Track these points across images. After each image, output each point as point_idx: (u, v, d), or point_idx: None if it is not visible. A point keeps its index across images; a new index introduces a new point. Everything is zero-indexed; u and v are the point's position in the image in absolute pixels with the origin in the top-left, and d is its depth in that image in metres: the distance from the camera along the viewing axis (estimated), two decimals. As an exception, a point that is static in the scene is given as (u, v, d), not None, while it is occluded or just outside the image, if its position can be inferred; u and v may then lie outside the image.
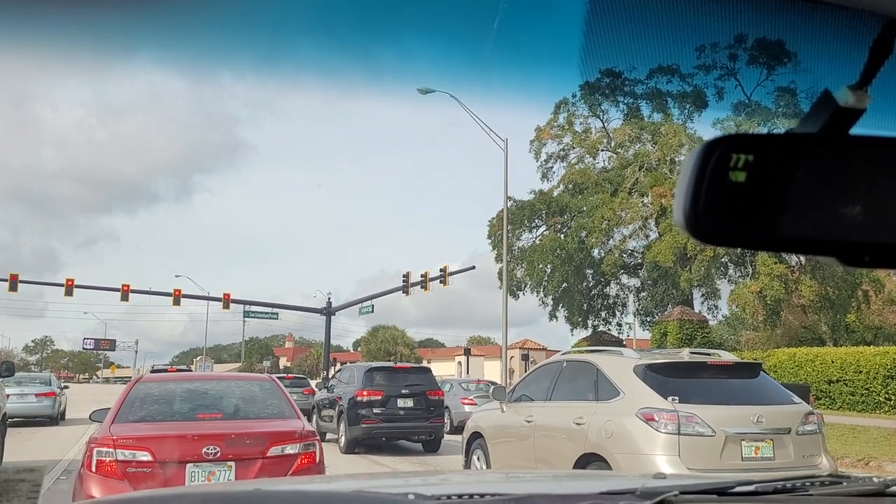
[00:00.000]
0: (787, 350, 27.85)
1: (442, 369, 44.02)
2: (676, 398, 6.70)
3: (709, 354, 8.07)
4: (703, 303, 33.50)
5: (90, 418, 7.23)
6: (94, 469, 5.68)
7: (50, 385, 22.46)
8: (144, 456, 5.74)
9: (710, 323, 32.14)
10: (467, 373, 40.77)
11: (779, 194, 0.83)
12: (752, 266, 29.68)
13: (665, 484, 1.70)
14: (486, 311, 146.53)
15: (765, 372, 7.79)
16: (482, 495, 1.53)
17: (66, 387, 26.96)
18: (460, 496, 1.53)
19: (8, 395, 15.47)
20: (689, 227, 0.83)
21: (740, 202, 0.82)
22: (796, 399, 7.44)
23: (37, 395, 21.29)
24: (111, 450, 5.72)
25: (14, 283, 34.34)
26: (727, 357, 7.92)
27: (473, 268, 40.49)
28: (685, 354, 7.85)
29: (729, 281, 32.49)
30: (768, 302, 28.29)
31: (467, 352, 44.83)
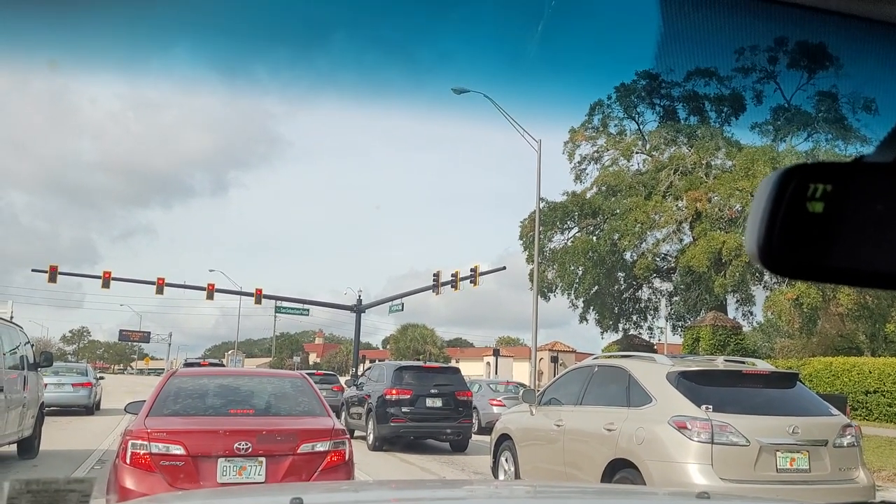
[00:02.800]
0: (824, 359, 27.33)
1: (470, 369, 44.00)
2: (710, 406, 6.60)
3: (743, 362, 7.93)
4: (737, 309, 33.04)
5: (125, 410, 7.35)
6: (128, 461, 5.77)
7: (86, 375, 22.87)
8: (178, 450, 5.81)
9: (744, 329, 31.66)
10: (496, 374, 40.69)
11: (858, 226, 0.79)
12: (788, 273, 29.14)
13: None
14: (515, 312, 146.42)
15: (801, 382, 7.65)
16: None
17: (102, 377, 27.48)
18: None
19: (46, 385, 15.78)
20: (763, 259, 0.80)
21: (818, 234, 0.79)
22: (833, 411, 7.29)
23: (73, 384, 21.69)
24: (145, 442, 5.80)
25: (53, 274, 35.08)
26: (763, 366, 7.78)
27: (504, 268, 40.49)
28: (719, 362, 7.73)
29: (764, 287, 31.98)
30: (805, 310, 27.79)
31: (496, 352, 44.75)
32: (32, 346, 13.16)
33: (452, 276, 35.28)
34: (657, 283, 35.76)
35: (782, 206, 0.79)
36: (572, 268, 33.49)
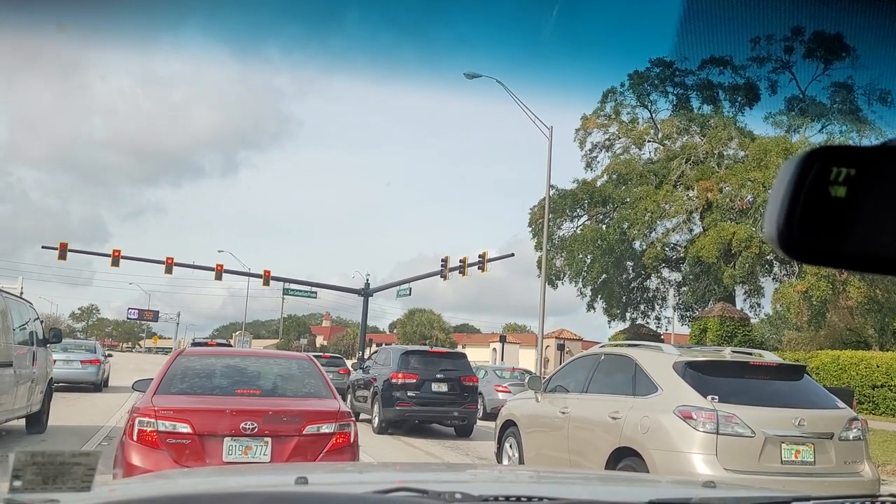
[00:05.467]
0: (831, 352, 27.24)
1: (476, 355, 44.09)
2: (716, 397, 6.59)
3: (751, 354, 7.91)
4: (745, 300, 32.96)
5: (133, 388, 7.40)
6: (135, 438, 5.81)
7: (95, 353, 23.04)
8: (184, 428, 5.84)
9: (752, 321, 31.58)
10: (502, 360, 40.76)
11: (882, 212, 0.77)
12: (798, 265, 29.05)
13: (718, 495, 1.65)
14: (523, 299, 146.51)
15: (808, 374, 7.62)
16: (530, 498, 1.50)
17: (110, 355, 27.63)
18: (507, 498, 1.50)
19: (55, 361, 15.91)
20: (782, 244, 0.78)
21: (840, 219, 0.77)
22: (840, 404, 7.27)
23: (82, 361, 21.86)
24: (152, 420, 5.84)
25: (63, 251, 35.27)
26: (770, 358, 7.76)
27: (512, 255, 40.51)
28: (727, 353, 7.71)
29: (773, 279, 31.89)
30: (814, 302, 27.69)
31: (503, 339, 44.79)
32: (42, 322, 13.24)
33: (460, 261, 35.32)
34: (666, 272, 35.73)
35: (804, 190, 0.77)
36: (581, 256, 33.45)
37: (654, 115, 33.67)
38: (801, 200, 0.77)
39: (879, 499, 1.63)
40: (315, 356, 12.98)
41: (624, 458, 6.97)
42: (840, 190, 0.77)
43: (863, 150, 0.79)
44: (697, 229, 32.15)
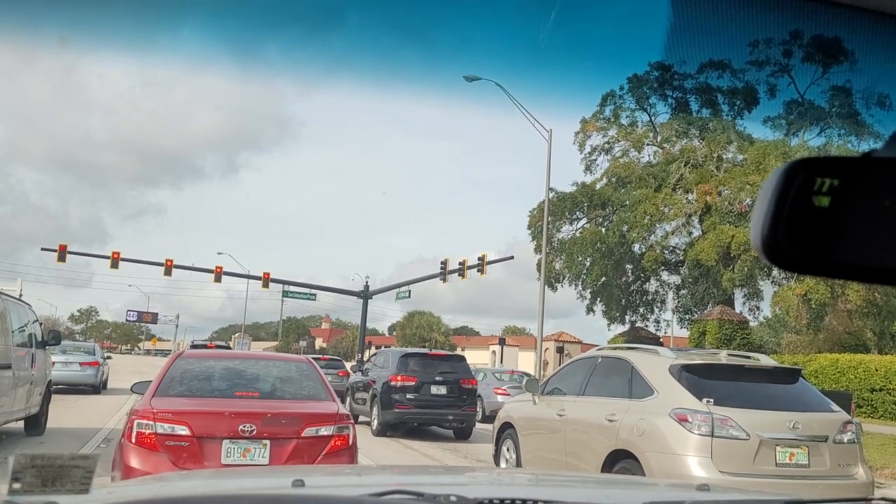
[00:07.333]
0: (830, 356, 27.26)
1: (476, 358, 44.09)
2: (711, 400, 6.62)
3: (747, 357, 7.94)
4: (744, 303, 32.94)
5: (131, 390, 7.43)
6: (133, 440, 5.83)
7: (94, 355, 23.03)
8: (183, 430, 5.87)
9: (751, 324, 31.58)
10: (501, 363, 40.77)
11: (865, 221, 0.79)
12: (796, 268, 28.99)
13: (711, 498, 1.68)
14: (522, 301, 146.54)
15: (804, 378, 7.66)
16: (525, 501, 1.52)
17: (109, 357, 27.62)
18: (503, 501, 1.52)
19: (53, 363, 15.92)
20: (768, 252, 0.80)
21: (824, 228, 0.79)
22: (835, 407, 7.31)
23: (81, 363, 21.86)
24: (151, 422, 5.86)
25: (63, 253, 35.26)
26: (766, 361, 7.79)
27: (512, 258, 40.54)
28: (723, 356, 7.74)
29: (773, 282, 31.89)
30: (813, 306, 27.71)
31: (502, 341, 44.82)
32: (41, 324, 13.26)
33: (460, 264, 35.34)
34: (665, 275, 35.69)
35: (788, 200, 0.79)
36: (580, 258, 33.45)
37: (653, 119, 33.70)
38: (786, 210, 0.79)
39: (872, 502, 1.66)
40: (314, 358, 12.98)
41: (620, 460, 7.01)
42: (824, 200, 0.79)
43: (846, 160, 0.81)
44: (696, 232, 32.17)
